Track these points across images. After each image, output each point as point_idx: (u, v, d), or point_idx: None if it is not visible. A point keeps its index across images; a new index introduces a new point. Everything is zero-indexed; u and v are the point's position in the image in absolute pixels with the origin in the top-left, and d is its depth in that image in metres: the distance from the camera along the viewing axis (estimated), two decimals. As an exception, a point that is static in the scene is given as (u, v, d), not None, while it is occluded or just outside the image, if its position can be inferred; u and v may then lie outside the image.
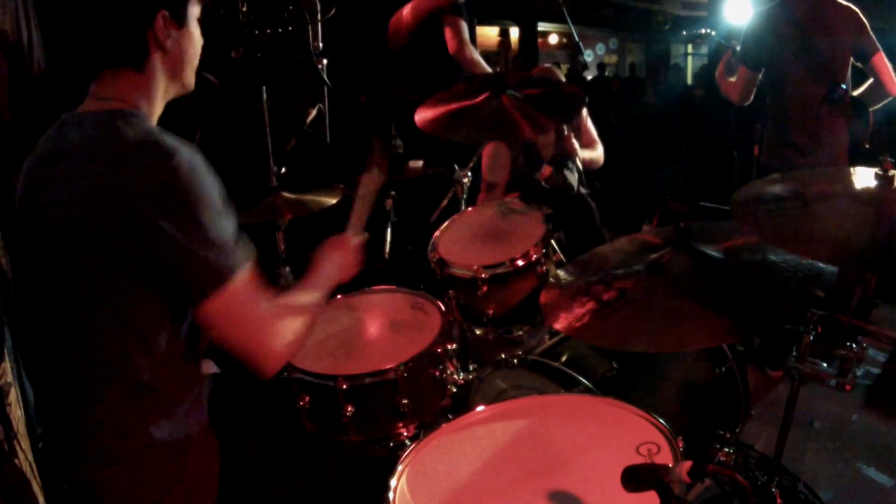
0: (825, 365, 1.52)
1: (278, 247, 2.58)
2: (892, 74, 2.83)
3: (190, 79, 1.33)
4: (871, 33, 2.84)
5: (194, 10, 1.29)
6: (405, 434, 1.75)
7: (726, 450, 1.85)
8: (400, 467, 1.31)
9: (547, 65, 3.68)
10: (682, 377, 1.95)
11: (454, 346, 1.85)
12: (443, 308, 1.93)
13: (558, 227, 2.09)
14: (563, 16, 3.32)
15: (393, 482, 1.27)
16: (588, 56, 14.13)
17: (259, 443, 1.47)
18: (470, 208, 2.36)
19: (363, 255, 1.59)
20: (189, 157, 1.14)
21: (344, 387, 1.66)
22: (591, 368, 1.83)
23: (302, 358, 1.77)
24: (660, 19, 12.37)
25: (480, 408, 1.50)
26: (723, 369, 1.90)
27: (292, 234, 2.57)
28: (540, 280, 1.94)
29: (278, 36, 2.97)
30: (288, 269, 2.62)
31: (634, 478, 0.96)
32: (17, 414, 1.62)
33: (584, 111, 3.00)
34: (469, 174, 2.36)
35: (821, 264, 1.41)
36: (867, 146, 2.84)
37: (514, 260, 1.92)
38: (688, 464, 0.92)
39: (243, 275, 1.19)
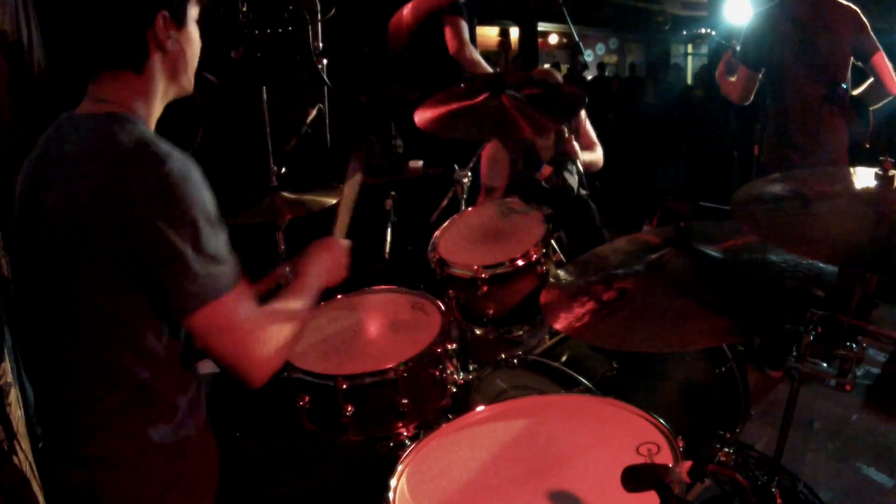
0: (825, 365, 1.52)
1: (278, 247, 2.58)
2: (893, 74, 2.83)
3: (189, 81, 1.33)
4: (871, 33, 2.84)
5: (193, 12, 1.29)
6: (405, 434, 1.75)
7: (726, 450, 1.85)
8: (400, 467, 1.32)
9: (546, 66, 3.68)
10: (682, 377, 1.95)
11: (454, 346, 1.85)
12: (443, 308, 1.93)
13: (558, 227, 2.09)
14: (563, 16, 3.33)
15: (393, 482, 1.27)
16: (588, 56, 14.13)
17: (259, 443, 1.47)
18: (470, 208, 2.35)
19: (350, 258, 1.58)
20: (181, 164, 1.14)
21: (344, 387, 1.66)
22: (591, 368, 1.84)
23: (302, 358, 1.77)
24: (660, 19, 12.36)
25: (480, 408, 1.50)
26: (723, 369, 1.90)
27: (292, 234, 2.57)
28: (540, 280, 1.94)
29: (278, 36, 2.97)
30: (288, 269, 2.62)
31: (634, 478, 0.96)
32: (17, 414, 1.62)
33: (583, 113, 2.99)
34: (469, 174, 2.36)
35: (821, 264, 1.41)
36: (867, 146, 2.84)
37: (514, 260, 1.92)
38: (688, 464, 0.92)
39: (233, 290, 1.18)
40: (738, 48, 3.09)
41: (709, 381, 1.92)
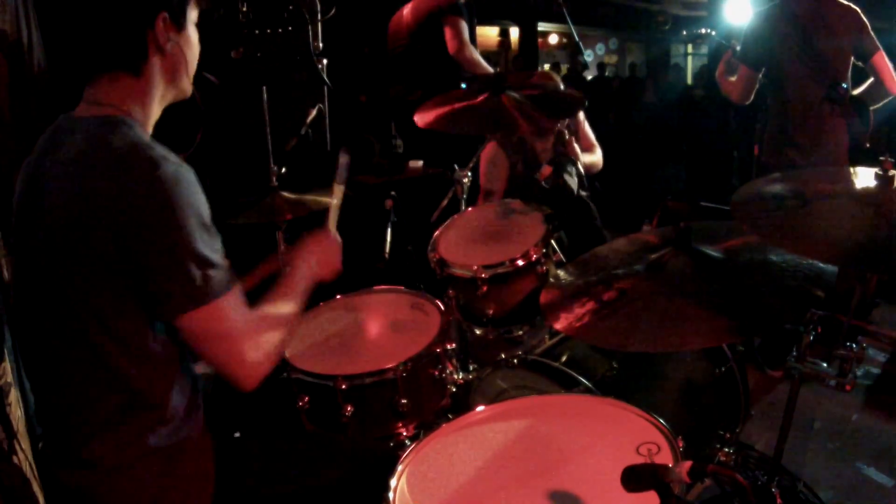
0: (825, 365, 1.51)
1: (278, 247, 2.58)
2: (893, 74, 2.83)
3: (188, 84, 1.33)
4: (872, 32, 2.84)
5: (193, 14, 1.29)
6: (405, 434, 1.75)
7: (726, 450, 1.85)
8: (400, 467, 1.31)
9: (546, 66, 3.68)
10: (682, 377, 1.95)
11: (453, 345, 1.85)
12: (442, 308, 1.93)
13: (558, 227, 2.09)
14: (563, 16, 3.33)
15: (393, 482, 1.27)
16: (588, 56, 14.13)
17: (259, 443, 1.47)
18: (470, 208, 2.36)
19: (342, 252, 1.57)
20: (175, 168, 1.14)
21: (343, 387, 1.66)
22: (591, 368, 1.84)
23: (301, 358, 1.77)
24: (660, 19, 12.34)
25: (480, 408, 1.50)
26: (723, 369, 1.90)
27: (292, 234, 2.57)
28: (540, 280, 1.94)
29: (278, 36, 2.97)
30: (288, 268, 2.61)
31: (634, 478, 0.96)
32: (17, 414, 1.62)
33: (582, 115, 2.99)
34: (469, 174, 2.36)
35: (821, 264, 1.41)
36: (867, 146, 2.84)
37: (514, 260, 1.92)
38: (688, 464, 0.92)
39: (226, 295, 1.18)
40: (738, 48, 3.09)
41: (709, 382, 1.92)
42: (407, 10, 3.71)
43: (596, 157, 2.99)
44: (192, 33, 1.30)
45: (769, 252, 1.51)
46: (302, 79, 3.03)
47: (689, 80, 12.12)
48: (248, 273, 1.90)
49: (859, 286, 1.61)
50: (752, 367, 3.08)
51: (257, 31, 2.93)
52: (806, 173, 1.72)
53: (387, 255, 2.33)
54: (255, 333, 1.23)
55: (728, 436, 1.87)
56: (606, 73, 12.79)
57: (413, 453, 1.36)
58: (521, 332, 2.05)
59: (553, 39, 14.91)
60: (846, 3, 2.86)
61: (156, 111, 1.29)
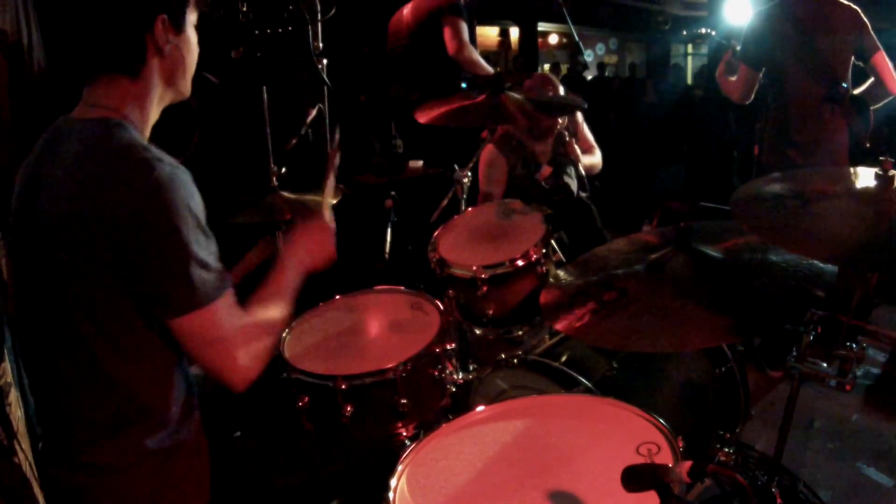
0: (825, 365, 1.51)
1: (278, 247, 2.58)
2: (893, 73, 2.83)
3: (186, 86, 1.32)
4: (872, 32, 2.84)
5: (192, 17, 1.29)
6: (405, 434, 1.75)
7: (726, 450, 1.85)
8: (400, 467, 1.31)
9: (546, 67, 3.68)
10: (682, 377, 1.95)
11: (453, 345, 1.84)
12: (442, 308, 1.93)
13: (558, 227, 2.09)
14: (563, 16, 3.33)
15: (393, 482, 1.27)
16: (588, 56, 14.13)
17: (258, 443, 1.47)
18: (470, 208, 2.36)
19: (335, 239, 1.55)
20: (170, 170, 1.13)
21: (343, 387, 1.66)
22: (591, 368, 1.83)
23: (301, 358, 1.77)
24: (660, 19, 12.38)
25: (480, 408, 1.50)
26: (723, 369, 1.90)
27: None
28: (540, 280, 1.94)
29: (278, 36, 2.97)
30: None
31: (634, 478, 0.96)
32: (17, 414, 1.62)
33: (581, 117, 2.99)
34: (469, 174, 2.36)
35: (821, 264, 1.41)
36: (867, 145, 2.84)
37: (514, 260, 1.92)
38: (688, 464, 0.92)
39: (220, 299, 1.18)
40: (738, 48, 3.09)
41: (709, 382, 1.92)
42: (407, 11, 3.71)
43: (595, 159, 2.99)
44: (192, 35, 1.29)
45: (769, 252, 1.51)
46: (302, 79, 3.03)
47: (689, 80, 12.13)
48: (239, 261, 1.88)
49: (859, 286, 1.61)
50: (752, 367, 3.08)
51: (257, 32, 2.93)
52: (806, 173, 1.72)
53: (387, 255, 2.33)
54: (247, 338, 1.23)
55: (728, 436, 1.87)
56: (606, 74, 12.80)
57: (413, 453, 1.36)
58: (521, 333, 2.05)
59: (553, 39, 14.91)
60: (846, 2, 2.86)
61: (154, 113, 1.29)
